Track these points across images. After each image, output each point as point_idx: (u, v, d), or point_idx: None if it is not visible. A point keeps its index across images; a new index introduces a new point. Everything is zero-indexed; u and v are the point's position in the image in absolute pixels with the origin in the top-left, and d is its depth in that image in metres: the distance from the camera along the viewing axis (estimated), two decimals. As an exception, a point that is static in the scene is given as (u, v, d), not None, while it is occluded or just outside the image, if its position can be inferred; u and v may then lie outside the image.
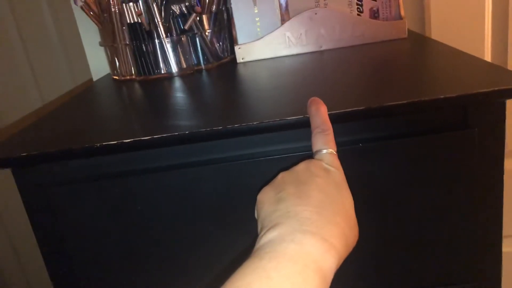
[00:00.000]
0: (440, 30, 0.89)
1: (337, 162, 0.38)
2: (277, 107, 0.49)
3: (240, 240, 0.49)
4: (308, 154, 0.46)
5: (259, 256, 0.29)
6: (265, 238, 0.31)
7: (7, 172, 0.48)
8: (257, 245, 0.31)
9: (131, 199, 0.48)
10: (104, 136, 0.47)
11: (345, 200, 0.35)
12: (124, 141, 0.44)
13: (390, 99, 0.44)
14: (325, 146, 0.38)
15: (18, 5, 1.07)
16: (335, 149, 0.38)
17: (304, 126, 0.44)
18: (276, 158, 0.47)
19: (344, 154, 0.46)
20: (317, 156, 0.38)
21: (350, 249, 0.33)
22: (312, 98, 0.42)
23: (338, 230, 0.32)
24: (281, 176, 0.37)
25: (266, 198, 0.35)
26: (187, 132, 0.44)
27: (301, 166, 0.37)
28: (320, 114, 0.40)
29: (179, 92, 0.64)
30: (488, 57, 0.91)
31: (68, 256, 0.51)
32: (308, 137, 0.47)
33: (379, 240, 0.50)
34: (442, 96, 0.42)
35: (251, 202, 0.48)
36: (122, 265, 0.51)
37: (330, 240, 0.31)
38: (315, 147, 0.39)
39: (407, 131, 0.47)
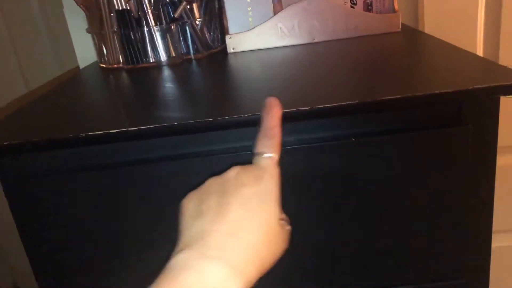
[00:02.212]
0: (433, 24, 0.88)
1: (273, 169, 0.36)
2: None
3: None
4: (299, 148, 0.45)
5: (162, 282, 0.30)
6: (175, 259, 0.31)
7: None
8: (168, 264, 0.31)
9: (117, 191, 0.47)
10: (90, 126, 0.45)
11: (268, 214, 0.34)
12: (111, 131, 0.43)
13: (384, 94, 0.43)
14: (267, 150, 0.37)
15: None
16: (278, 155, 0.37)
17: (295, 119, 0.44)
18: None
19: (336, 148, 0.46)
20: (255, 160, 0.37)
21: (266, 268, 0.33)
22: (270, 97, 0.40)
23: (248, 253, 0.32)
24: (209, 183, 0.36)
25: (188, 207, 0.35)
26: (175, 124, 0.42)
27: (232, 173, 0.36)
28: (271, 116, 0.38)
29: (168, 82, 0.62)
30: (480, 52, 0.91)
31: (51, 249, 0.50)
32: (300, 130, 0.46)
33: (367, 235, 0.50)
34: (437, 91, 0.41)
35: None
36: (107, 257, 0.50)
37: (237, 265, 0.30)
38: (257, 149, 0.37)
39: (400, 126, 0.46)
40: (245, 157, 0.46)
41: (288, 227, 0.37)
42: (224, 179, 0.36)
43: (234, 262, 0.31)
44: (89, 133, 0.43)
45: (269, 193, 0.35)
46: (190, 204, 0.35)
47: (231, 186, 0.34)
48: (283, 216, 0.37)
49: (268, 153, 0.37)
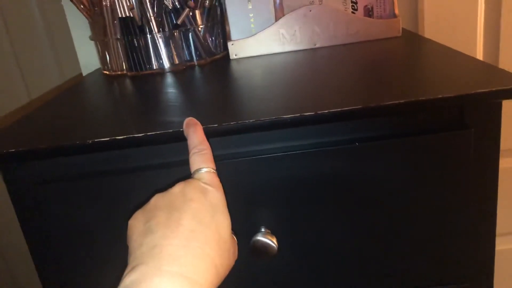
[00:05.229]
0: (433, 29, 0.89)
1: (216, 180, 0.37)
2: (272, 105, 0.49)
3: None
4: (304, 153, 0.46)
5: None
6: (126, 281, 0.30)
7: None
8: (120, 285, 0.30)
9: (123, 197, 0.47)
10: (96, 132, 0.46)
11: (220, 224, 0.34)
12: (117, 138, 0.43)
13: (387, 98, 0.43)
14: (203, 165, 0.37)
15: (4, -3, 1.05)
16: (214, 168, 0.38)
17: (300, 124, 0.44)
18: (271, 157, 0.46)
19: (340, 154, 0.46)
20: (195, 176, 0.37)
21: (222, 277, 0.33)
22: (188, 118, 0.42)
23: (205, 264, 0.32)
24: (155, 200, 0.36)
25: (135, 226, 0.34)
26: (181, 130, 0.43)
27: (177, 189, 0.36)
28: (197, 134, 0.40)
29: (171, 88, 0.63)
30: (479, 56, 0.92)
31: (57, 256, 0.50)
32: (303, 135, 0.47)
33: (371, 240, 0.50)
34: (440, 96, 0.42)
35: (243, 201, 0.48)
36: (112, 264, 0.50)
37: (193, 277, 0.30)
38: (193, 167, 0.38)
39: (403, 131, 0.46)
40: (247, 162, 0.46)
41: (235, 239, 0.38)
42: (170, 195, 0.35)
43: (190, 274, 0.30)
44: (96, 140, 0.43)
45: (218, 205, 0.35)
46: (137, 222, 0.35)
47: (179, 202, 0.34)
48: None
49: (205, 167, 0.37)
